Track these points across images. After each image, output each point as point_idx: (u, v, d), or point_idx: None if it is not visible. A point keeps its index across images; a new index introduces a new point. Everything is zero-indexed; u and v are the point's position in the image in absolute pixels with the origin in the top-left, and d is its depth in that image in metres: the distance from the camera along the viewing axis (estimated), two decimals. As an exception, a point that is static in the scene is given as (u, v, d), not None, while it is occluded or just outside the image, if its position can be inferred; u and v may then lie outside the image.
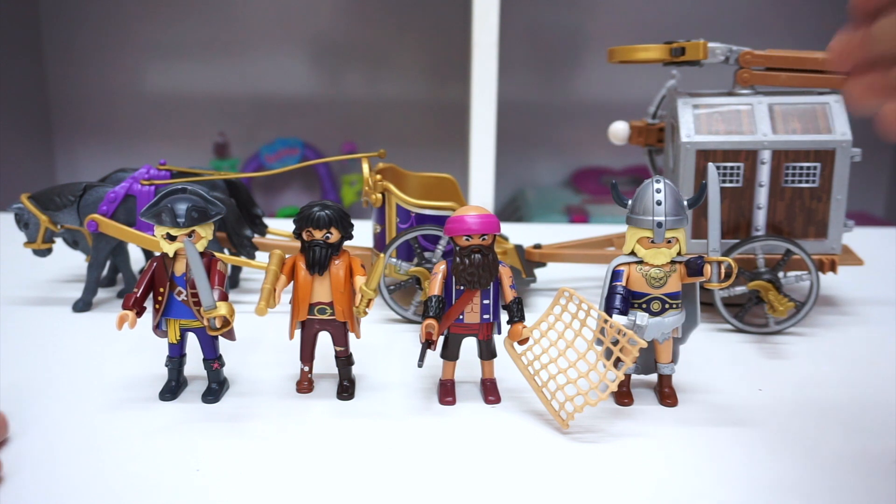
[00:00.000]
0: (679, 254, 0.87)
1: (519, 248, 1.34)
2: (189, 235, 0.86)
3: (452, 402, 0.91)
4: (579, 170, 2.65)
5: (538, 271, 1.35)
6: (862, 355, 1.07)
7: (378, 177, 1.18)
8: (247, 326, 1.06)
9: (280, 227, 1.40)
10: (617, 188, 0.91)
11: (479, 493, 0.74)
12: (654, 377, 0.94)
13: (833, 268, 1.15)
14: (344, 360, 0.93)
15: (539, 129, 2.61)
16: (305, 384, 0.94)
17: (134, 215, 1.21)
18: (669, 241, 0.86)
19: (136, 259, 1.40)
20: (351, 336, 0.93)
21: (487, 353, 0.93)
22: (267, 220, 1.46)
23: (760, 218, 1.14)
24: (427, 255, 1.16)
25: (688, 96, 1.17)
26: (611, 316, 0.85)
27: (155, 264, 0.88)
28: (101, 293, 1.29)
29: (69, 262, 1.44)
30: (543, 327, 0.89)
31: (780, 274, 1.13)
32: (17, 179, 2.34)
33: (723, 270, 0.94)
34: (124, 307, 0.86)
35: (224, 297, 0.87)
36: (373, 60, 2.59)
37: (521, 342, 0.89)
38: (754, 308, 1.15)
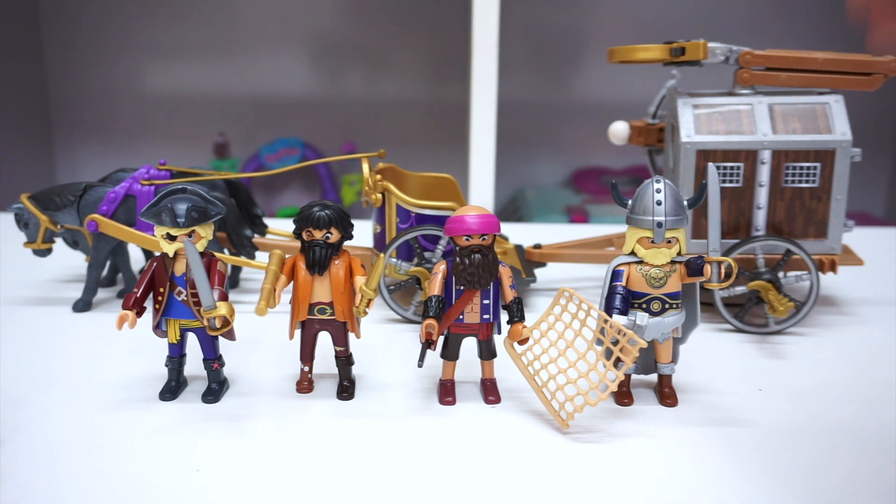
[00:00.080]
0: (679, 254, 0.87)
1: (519, 248, 1.34)
2: (189, 235, 0.86)
3: (452, 402, 0.91)
4: (579, 170, 2.65)
5: (538, 271, 1.35)
6: (862, 355, 1.07)
7: (378, 177, 1.18)
8: (247, 326, 1.06)
9: (280, 227, 1.40)
10: (617, 188, 0.91)
11: (479, 493, 0.74)
12: (654, 377, 0.94)
13: (833, 268, 1.15)
14: (344, 360, 0.93)
15: (539, 129, 2.60)
16: (305, 384, 0.94)
17: (134, 215, 1.21)
18: (669, 241, 0.86)
19: (136, 259, 1.40)
20: (351, 336, 0.93)
21: (487, 353, 0.93)
22: (267, 220, 1.46)
23: (760, 218, 1.14)
24: (427, 255, 1.16)
25: (688, 96, 1.17)
26: (611, 316, 0.85)
27: (155, 264, 0.88)
28: (101, 293, 1.29)
29: (69, 262, 1.44)
30: (543, 327, 0.89)
31: (780, 274, 1.13)
32: (17, 179, 2.34)
33: (723, 270, 0.94)
34: (124, 307, 0.86)
35: (224, 297, 0.87)
36: (373, 60, 2.59)
37: (521, 342, 0.89)
38: (754, 308, 1.15)
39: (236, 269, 1.36)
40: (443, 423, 0.87)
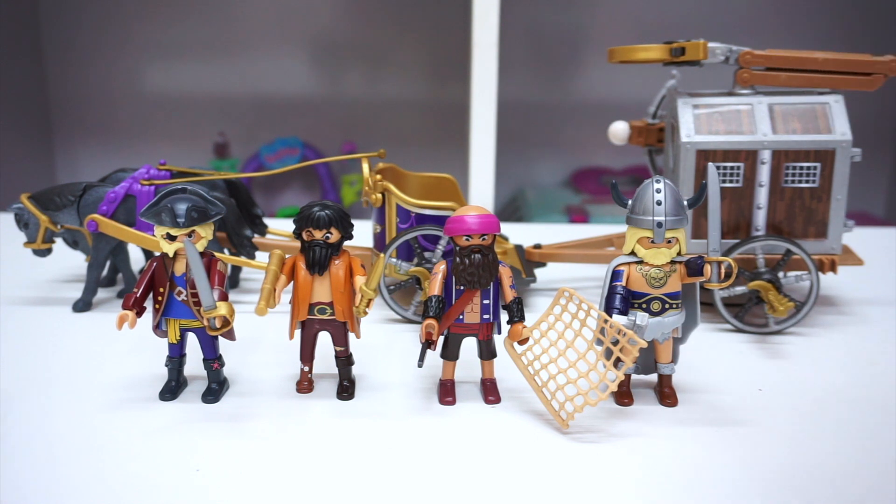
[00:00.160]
0: (679, 254, 0.87)
1: (519, 248, 1.34)
2: (189, 235, 0.86)
3: (452, 402, 0.91)
4: (579, 170, 2.65)
5: (538, 271, 1.35)
6: (862, 355, 1.07)
7: (378, 177, 1.18)
8: (247, 326, 1.06)
9: (280, 227, 1.40)
10: (617, 188, 0.91)
11: (479, 493, 0.74)
12: (654, 377, 0.94)
13: (833, 268, 1.15)
14: (344, 360, 0.93)
15: (539, 129, 2.60)
16: (305, 384, 0.94)
17: (134, 215, 1.21)
18: (669, 241, 0.86)
19: (136, 259, 1.40)
20: (351, 336, 0.93)
21: (487, 353, 0.93)
22: (267, 220, 1.46)
23: (760, 218, 1.14)
24: (427, 255, 1.16)
25: (688, 96, 1.17)
26: (611, 316, 0.85)
27: (155, 264, 0.88)
28: (101, 293, 1.29)
29: (69, 262, 1.44)
30: (543, 327, 0.89)
31: (780, 274, 1.13)
32: (17, 179, 2.34)
33: (723, 270, 0.94)
34: (124, 307, 0.86)
35: (224, 297, 0.87)
36: (373, 60, 2.59)
37: (521, 342, 0.89)
38: (754, 308, 1.15)
39: (236, 269, 1.36)
40: (443, 423, 0.87)
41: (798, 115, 1.14)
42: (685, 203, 0.87)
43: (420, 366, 0.87)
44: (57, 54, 2.56)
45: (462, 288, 0.88)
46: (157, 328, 0.90)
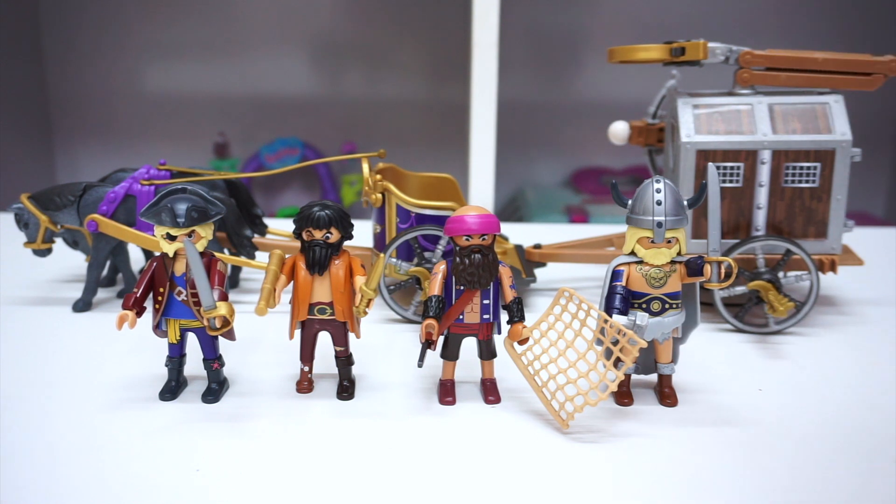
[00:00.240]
0: (679, 254, 0.87)
1: (519, 248, 1.34)
2: (189, 235, 0.86)
3: (452, 402, 0.91)
4: (579, 170, 2.65)
5: (538, 271, 1.35)
6: (862, 355, 1.07)
7: (378, 177, 1.18)
8: (247, 326, 1.06)
9: (280, 227, 1.40)
10: (617, 188, 0.91)
11: (479, 493, 0.74)
12: (654, 377, 0.94)
13: (833, 268, 1.15)
14: (344, 360, 0.93)
15: (539, 129, 2.60)
16: (305, 384, 0.94)
17: (134, 215, 1.21)
18: (669, 241, 0.86)
19: (136, 259, 1.40)
20: (351, 336, 0.93)
21: (487, 353, 0.93)
22: (267, 220, 1.46)
23: (760, 218, 1.14)
24: (427, 255, 1.16)
25: (688, 96, 1.17)
26: (611, 316, 0.85)
27: (155, 264, 0.88)
28: (101, 293, 1.29)
29: (69, 262, 1.44)
30: (543, 327, 0.89)
31: (780, 274, 1.13)
32: (17, 179, 2.34)
33: (723, 270, 0.94)
34: (124, 307, 0.86)
35: (224, 297, 0.87)
36: (373, 60, 2.59)
37: (521, 342, 0.89)
38: (754, 308, 1.15)
39: (236, 269, 1.36)
40: (443, 423, 0.87)
41: (798, 115, 1.14)
42: (685, 203, 0.87)
43: (420, 366, 0.87)
44: (57, 54, 2.56)
45: (462, 288, 0.88)
46: (157, 328, 0.90)
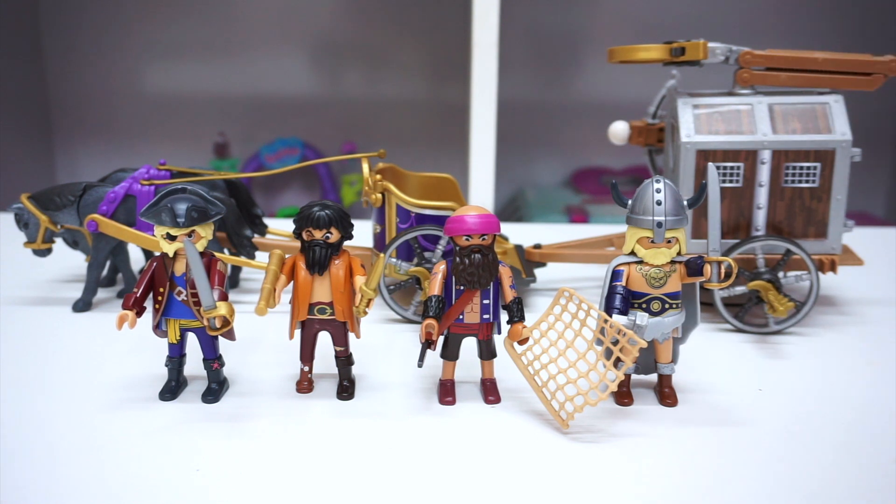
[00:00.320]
0: (679, 254, 0.87)
1: (519, 248, 1.34)
2: (189, 235, 0.86)
3: (452, 402, 0.91)
4: (579, 170, 2.65)
5: (538, 271, 1.35)
6: (862, 355, 1.07)
7: (378, 177, 1.18)
8: (247, 326, 1.06)
9: (280, 227, 1.40)
10: (617, 188, 0.91)
11: (479, 493, 0.74)
12: (654, 377, 0.94)
13: (833, 268, 1.15)
14: (344, 360, 0.93)
15: (539, 129, 2.60)
16: (305, 384, 0.94)
17: (134, 215, 1.21)
18: (669, 241, 0.86)
19: (136, 259, 1.40)
20: (351, 336, 0.93)
21: (487, 353, 0.93)
22: (267, 220, 1.46)
23: (760, 218, 1.14)
24: (427, 255, 1.16)
25: (688, 96, 1.17)
26: (611, 316, 0.85)
27: (155, 264, 0.88)
28: (101, 293, 1.29)
29: (69, 262, 1.44)
30: (543, 327, 0.89)
31: (780, 274, 1.13)
32: (17, 179, 2.34)
33: (723, 270, 0.94)
34: (124, 307, 0.86)
35: (224, 297, 0.87)
36: (373, 60, 2.59)
37: (521, 342, 0.89)
38: (754, 308, 1.15)
39: (236, 269, 1.36)
40: (443, 423, 0.87)
41: (798, 115, 1.14)
42: (685, 203, 0.87)
43: (420, 366, 0.87)
44: (57, 54, 2.56)
45: (462, 288, 0.88)
46: (157, 328, 0.90)
